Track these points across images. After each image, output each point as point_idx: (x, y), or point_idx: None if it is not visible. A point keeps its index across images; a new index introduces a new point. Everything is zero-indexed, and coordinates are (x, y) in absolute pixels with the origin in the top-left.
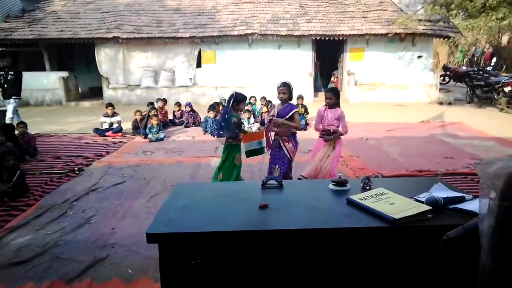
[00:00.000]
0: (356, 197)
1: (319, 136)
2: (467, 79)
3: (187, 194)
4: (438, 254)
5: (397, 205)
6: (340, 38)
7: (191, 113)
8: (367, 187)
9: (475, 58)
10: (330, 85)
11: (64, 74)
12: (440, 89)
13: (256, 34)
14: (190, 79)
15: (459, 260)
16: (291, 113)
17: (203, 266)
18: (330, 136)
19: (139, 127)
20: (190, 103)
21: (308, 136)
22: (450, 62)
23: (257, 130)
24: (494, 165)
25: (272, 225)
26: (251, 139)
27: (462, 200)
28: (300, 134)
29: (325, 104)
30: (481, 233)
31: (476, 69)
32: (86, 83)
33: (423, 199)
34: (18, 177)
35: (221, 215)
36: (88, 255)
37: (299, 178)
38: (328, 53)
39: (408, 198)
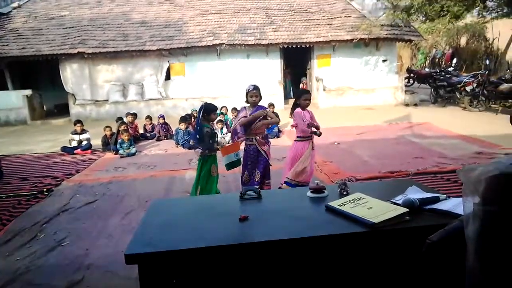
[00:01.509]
0: (334, 204)
1: (302, 139)
2: (430, 81)
3: (164, 211)
4: (422, 257)
5: (375, 209)
6: (307, 46)
7: (163, 125)
8: (344, 193)
9: (436, 60)
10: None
11: (28, 92)
12: (405, 91)
13: (224, 44)
14: (160, 92)
15: (443, 262)
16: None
17: (186, 284)
18: (319, 133)
19: (109, 143)
20: (163, 115)
21: (282, 143)
22: (413, 65)
23: (230, 142)
24: (476, 171)
25: (253, 237)
26: (229, 152)
27: (437, 200)
28: (273, 142)
29: (302, 106)
30: (467, 237)
31: (438, 70)
32: (51, 101)
33: (400, 201)
34: None
35: (201, 230)
36: (62, 279)
37: (279, 187)
38: (297, 61)
39: (385, 201)
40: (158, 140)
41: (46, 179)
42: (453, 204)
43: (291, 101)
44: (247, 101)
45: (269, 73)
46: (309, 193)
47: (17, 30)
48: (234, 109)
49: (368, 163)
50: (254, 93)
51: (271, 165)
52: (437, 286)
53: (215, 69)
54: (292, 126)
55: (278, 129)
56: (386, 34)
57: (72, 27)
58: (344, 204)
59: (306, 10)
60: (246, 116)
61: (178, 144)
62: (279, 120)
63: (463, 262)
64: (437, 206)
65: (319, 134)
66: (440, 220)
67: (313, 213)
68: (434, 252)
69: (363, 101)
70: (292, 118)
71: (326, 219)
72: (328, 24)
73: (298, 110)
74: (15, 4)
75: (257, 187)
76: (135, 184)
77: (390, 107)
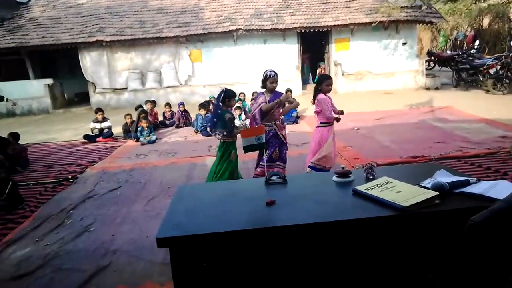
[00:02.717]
0: (362, 188)
1: (326, 124)
2: (452, 63)
3: (191, 196)
4: (464, 238)
5: (404, 193)
6: (325, 30)
7: (183, 112)
8: (371, 177)
9: (458, 42)
10: (318, 77)
11: (49, 81)
12: (426, 75)
13: (241, 30)
14: (189, 76)
15: (486, 243)
16: None
17: (215, 267)
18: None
19: (130, 131)
20: (182, 102)
21: (300, 129)
22: (433, 48)
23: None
24: None
25: (281, 221)
26: (250, 135)
27: (467, 183)
28: (292, 128)
29: (324, 91)
30: None
31: (460, 53)
32: (71, 89)
33: (429, 185)
34: (10, 189)
35: (229, 214)
36: (90, 264)
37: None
38: (314, 45)
39: (413, 185)
40: (177, 127)
41: (70, 167)
42: (484, 187)
43: (309, 86)
44: (263, 87)
45: (286, 58)
46: (334, 178)
47: (37, 19)
48: (255, 92)
49: (389, 148)
50: (275, 79)
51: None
52: (478, 269)
53: (232, 55)
54: (316, 112)
55: (297, 115)
56: (406, 16)
57: (90, 15)
58: (372, 188)
59: None
60: (265, 102)
61: (198, 131)
62: (299, 103)
63: (508, 244)
64: (468, 189)
65: (339, 119)
66: (471, 204)
67: (340, 198)
68: (477, 233)
69: (383, 85)
70: (315, 104)
71: (353, 203)
72: (346, 7)
73: (322, 96)
74: None
75: (266, 164)
76: (157, 171)
77: (411, 91)
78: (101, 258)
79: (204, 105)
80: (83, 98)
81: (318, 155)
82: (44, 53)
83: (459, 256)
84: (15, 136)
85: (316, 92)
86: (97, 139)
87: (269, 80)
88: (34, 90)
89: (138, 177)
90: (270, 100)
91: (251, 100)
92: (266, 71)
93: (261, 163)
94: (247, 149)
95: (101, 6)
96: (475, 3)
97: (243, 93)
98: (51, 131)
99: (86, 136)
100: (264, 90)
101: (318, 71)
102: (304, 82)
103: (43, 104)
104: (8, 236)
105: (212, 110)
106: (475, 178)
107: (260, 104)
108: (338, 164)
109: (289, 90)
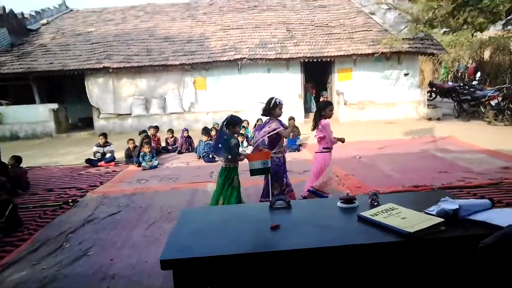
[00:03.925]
0: (367, 214)
1: (328, 150)
2: (453, 94)
3: (195, 220)
4: (475, 261)
5: (409, 219)
6: (328, 60)
7: (187, 138)
8: (375, 203)
9: (459, 74)
10: (318, 104)
11: (54, 106)
12: (428, 105)
13: (245, 59)
14: (192, 103)
15: (496, 266)
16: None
17: None
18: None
19: (132, 156)
20: (187, 128)
21: (302, 157)
22: (435, 79)
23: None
24: None
25: (286, 245)
26: (257, 159)
27: (485, 207)
28: (294, 155)
29: (327, 117)
30: None
31: (462, 84)
32: (76, 114)
33: (434, 212)
34: (10, 211)
35: (234, 238)
36: None
37: (304, 197)
38: (317, 75)
39: (418, 212)
40: (179, 153)
41: (71, 190)
42: (489, 215)
43: (311, 115)
44: (268, 114)
45: (289, 87)
46: (339, 203)
47: (45, 46)
48: (260, 120)
49: (391, 177)
50: (282, 106)
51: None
52: None
53: (236, 83)
54: (320, 137)
55: (300, 142)
56: (408, 47)
57: (98, 42)
58: (377, 214)
59: (327, 24)
60: (280, 128)
61: (200, 157)
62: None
63: None
64: (473, 217)
65: (343, 140)
66: (477, 230)
67: (345, 223)
68: (488, 256)
69: (385, 115)
70: (318, 129)
71: (358, 229)
72: (349, 38)
73: (327, 121)
74: (44, 21)
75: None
76: (158, 196)
77: (412, 121)
78: (99, 283)
79: (206, 130)
80: (87, 123)
81: (321, 180)
82: (50, 78)
83: (470, 280)
84: (17, 159)
85: (318, 118)
86: (99, 164)
87: (278, 107)
88: (39, 114)
89: (139, 202)
90: (282, 126)
91: (253, 127)
92: (273, 98)
93: (289, 189)
94: (253, 172)
95: (110, 34)
96: (475, 36)
97: (247, 121)
98: (54, 155)
99: (88, 160)
100: (267, 117)
101: (321, 100)
102: (307, 110)
103: (47, 128)
104: (5, 259)
105: (215, 136)
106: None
107: (275, 130)
108: (338, 190)
109: (292, 118)
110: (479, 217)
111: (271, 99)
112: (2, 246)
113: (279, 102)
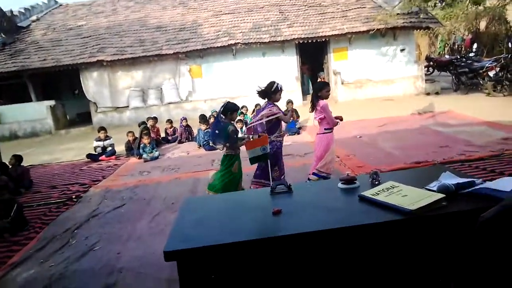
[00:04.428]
0: (368, 193)
1: (330, 130)
2: (451, 68)
3: (197, 209)
4: (475, 235)
5: (410, 197)
6: (323, 40)
7: (186, 127)
8: (376, 182)
9: (456, 46)
10: (315, 85)
11: (51, 103)
12: (425, 80)
13: (240, 44)
14: (189, 91)
15: (496, 239)
16: None
17: (224, 279)
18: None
19: (132, 148)
20: (185, 117)
21: (303, 139)
22: (432, 53)
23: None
24: None
25: (288, 230)
26: (256, 145)
27: (472, 184)
28: (294, 139)
29: (324, 98)
30: None
31: (459, 57)
32: (73, 110)
33: (434, 188)
34: (15, 211)
35: (236, 225)
36: (96, 283)
37: (309, 179)
38: (313, 56)
39: (419, 188)
40: (180, 142)
41: (74, 186)
42: (489, 187)
43: (309, 97)
44: (268, 98)
45: (285, 70)
46: (340, 185)
47: (37, 42)
48: (258, 104)
49: (392, 154)
50: (282, 92)
51: None
52: (488, 264)
53: (232, 69)
54: (320, 118)
55: (299, 125)
56: (403, 23)
57: (90, 36)
58: (378, 193)
59: (320, 3)
60: (282, 113)
61: (200, 145)
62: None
63: None
64: (474, 190)
65: (342, 118)
66: (478, 204)
67: (346, 204)
68: (487, 229)
69: (383, 92)
70: (318, 110)
71: (360, 209)
72: (343, 17)
73: (325, 102)
74: (33, 17)
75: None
76: (161, 187)
77: (411, 97)
78: (107, 277)
79: (204, 117)
80: (85, 118)
81: (323, 162)
82: (45, 75)
83: (471, 254)
84: (18, 158)
85: (316, 99)
86: (100, 158)
87: (279, 93)
88: (36, 112)
89: (142, 194)
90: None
91: (252, 113)
92: (275, 83)
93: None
94: (253, 160)
95: (101, 27)
96: (471, 7)
97: (246, 107)
98: (54, 151)
99: (89, 155)
100: (265, 100)
101: (318, 81)
102: (304, 92)
103: (46, 126)
104: (12, 259)
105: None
106: (480, 179)
107: (276, 114)
108: (339, 171)
109: (290, 101)
110: (480, 190)
111: (273, 83)
112: (9, 246)
113: (280, 88)
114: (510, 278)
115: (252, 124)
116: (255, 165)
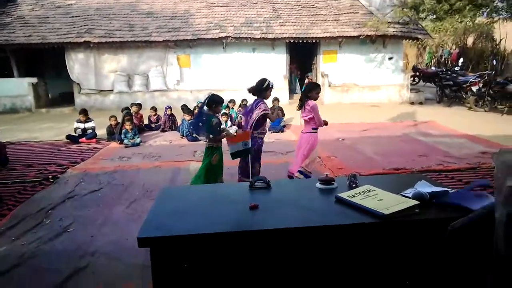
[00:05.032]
0: (344, 195)
1: (316, 130)
2: (436, 79)
3: (175, 198)
4: (444, 243)
5: (385, 201)
6: (313, 41)
7: (170, 116)
8: (354, 185)
9: (443, 59)
10: (307, 85)
11: (33, 80)
12: (411, 89)
13: (230, 37)
14: (177, 81)
15: (464, 248)
16: None
17: (196, 269)
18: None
19: (114, 133)
20: (170, 106)
21: (286, 137)
22: (419, 63)
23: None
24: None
25: (264, 225)
26: (237, 140)
27: (446, 194)
28: (277, 136)
29: (314, 99)
30: (497, 221)
31: (444, 70)
32: (56, 89)
33: (410, 195)
34: None
35: (212, 217)
36: (68, 265)
37: (290, 177)
38: (303, 56)
39: (395, 194)
40: (163, 131)
41: (51, 166)
42: (461, 198)
43: (296, 96)
44: (260, 95)
45: (274, 68)
46: (318, 185)
47: (24, 18)
48: (245, 100)
49: (372, 159)
50: (272, 89)
51: None
52: (456, 272)
53: (221, 62)
54: (308, 118)
55: (284, 123)
56: (393, 31)
57: (78, 16)
58: (354, 196)
59: (313, 5)
60: (269, 111)
61: (183, 135)
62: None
63: (485, 248)
64: (447, 200)
65: (327, 123)
66: (449, 214)
67: (323, 204)
68: (455, 238)
69: (368, 98)
70: (306, 110)
71: (336, 209)
72: (335, 20)
73: (315, 102)
74: None
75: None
76: (140, 174)
77: (395, 105)
78: (80, 259)
79: (188, 109)
80: (67, 98)
81: (308, 160)
82: (29, 51)
83: (438, 260)
84: None
85: (304, 99)
86: (80, 140)
87: (270, 90)
88: (17, 88)
89: (121, 179)
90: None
91: (238, 107)
92: (267, 80)
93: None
94: (234, 155)
95: (91, 7)
96: (460, 22)
97: (233, 100)
98: (34, 130)
99: (69, 136)
100: (255, 97)
101: (306, 81)
102: (291, 91)
103: (26, 103)
104: None
105: (196, 115)
106: (454, 190)
107: (263, 111)
108: (320, 172)
109: (276, 99)
110: (452, 200)
111: (264, 80)
112: None
113: (272, 86)
114: (475, 284)
115: (249, 123)
116: (237, 160)
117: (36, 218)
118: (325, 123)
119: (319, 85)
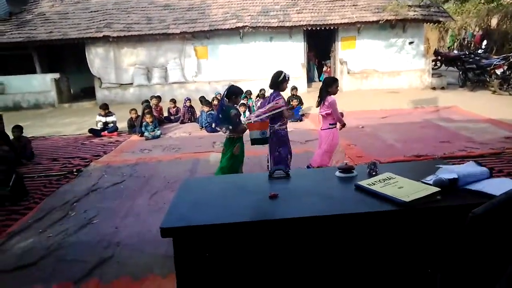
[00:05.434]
0: (364, 183)
1: (333, 127)
2: (458, 63)
3: (196, 189)
4: (465, 230)
5: (405, 189)
6: (332, 28)
7: (189, 108)
8: (373, 173)
9: (466, 42)
10: (323, 75)
11: (56, 75)
12: (432, 74)
13: (247, 27)
14: (195, 72)
15: (486, 235)
16: None
17: (218, 258)
18: None
19: (134, 126)
20: (189, 98)
21: (305, 127)
22: (440, 47)
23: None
24: None
25: (284, 214)
26: (257, 128)
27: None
28: (296, 125)
29: (333, 93)
30: None
31: (467, 53)
32: (78, 84)
33: (431, 182)
34: (15, 180)
35: (233, 207)
36: (93, 256)
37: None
38: (320, 44)
39: (416, 181)
40: (182, 123)
41: (75, 160)
42: (486, 184)
43: (314, 84)
44: (276, 87)
45: (292, 56)
46: (337, 173)
47: (44, 14)
48: (263, 89)
49: (393, 147)
50: (289, 81)
51: None
52: (478, 261)
53: (238, 52)
54: (326, 113)
55: (302, 112)
56: (414, 15)
57: (97, 10)
58: (374, 184)
59: None
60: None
61: (202, 127)
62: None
63: (507, 235)
64: (469, 186)
65: (345, 125)
66: (472, 200)
67: (343, 192)
68: (478, 225)
69: (388, 84)
70: (325, 106)
71: (356, 198)
72: (353, 5)
73: (334, 98)
74: None
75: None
76: (161, 166)
77: (416, 91)
78: (104, 250)
79: (206, 100)
80: (89, 93)
81: (334, 159)
82: (51, 47)
83: (460, 248)
84: (18, 128)
85: (324, 94)
86: (102, 134)
87: (286, 82)
88: (40, 84)
89: (142, 171)
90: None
91: (256, 97)
92: (283, 72)
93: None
94: (253, 142)
95: (109, 2)
96: (483, 3)
97: (250, 91)
98: (57, 124)
99: (91, 130)
100: (273, 90)
101: (324, 69)
102: (310, 80)
103: (49, 98)
104: (12, 227)
105: (216, 106)
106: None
107: (281, 107)
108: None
109: (294, 88)
110: (476, 186)
111: (280, 72)
112: (8, 215)
113: (288, 77)
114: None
115: (259, 117)
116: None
117: (61, 211)
118: (341, 114)
119: (337, 79)
